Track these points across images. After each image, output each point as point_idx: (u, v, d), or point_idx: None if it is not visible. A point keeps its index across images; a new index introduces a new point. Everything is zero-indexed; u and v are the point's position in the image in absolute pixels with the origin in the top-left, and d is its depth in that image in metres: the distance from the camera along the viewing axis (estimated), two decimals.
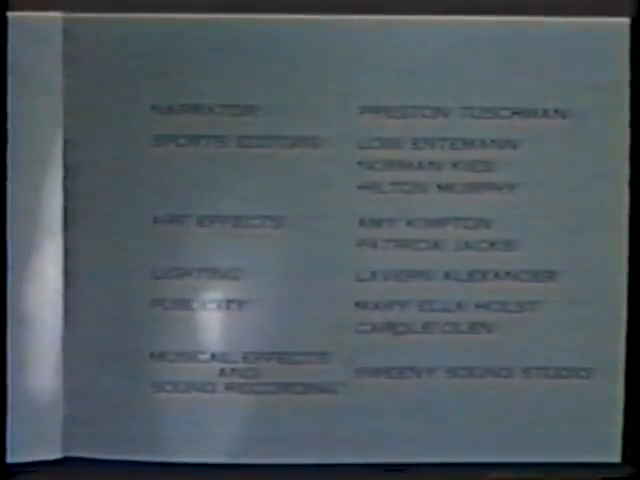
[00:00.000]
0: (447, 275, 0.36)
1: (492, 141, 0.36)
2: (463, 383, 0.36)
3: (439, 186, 0.36)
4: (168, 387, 0.36)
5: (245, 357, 0.36)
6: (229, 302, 0.36)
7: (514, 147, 0.36)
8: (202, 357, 0.36)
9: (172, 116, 0.36)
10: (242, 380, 0.36)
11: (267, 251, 0.36)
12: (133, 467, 0.36)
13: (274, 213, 0.36)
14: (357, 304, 0.36)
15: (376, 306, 0.36)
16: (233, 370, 0.36)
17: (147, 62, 0.35)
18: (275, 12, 0.35)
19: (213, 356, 0.36)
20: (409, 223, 0.36)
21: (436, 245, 0.36)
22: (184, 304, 0.36)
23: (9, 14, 0.35)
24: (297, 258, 0.36)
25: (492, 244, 0.36)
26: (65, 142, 0.36)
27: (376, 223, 0.36)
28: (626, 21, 0.36)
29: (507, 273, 0.36)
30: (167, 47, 0.36)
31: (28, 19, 0.35)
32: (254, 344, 0.36)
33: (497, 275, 0.36)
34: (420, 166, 0.36)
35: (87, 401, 0.36)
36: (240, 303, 0.36)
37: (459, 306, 0.36)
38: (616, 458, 0.37)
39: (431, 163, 0.36)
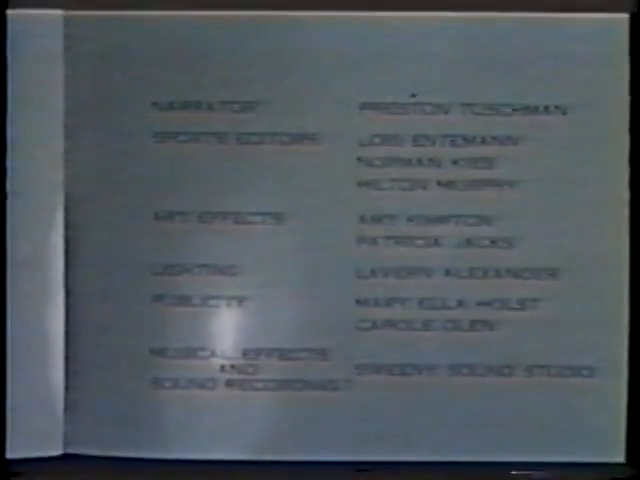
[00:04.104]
0: (448, 272, 0.36)
1: (493, 138, 0.36)
2: (464, 381, 0.36)
3: (439, 183, 0.36)
4: (168, 383, 0.36)
5: (245, 353, 0.36)
6: (229, 298, 0.36)
7: (515, 144, 0.36)
8: (202, 353, 0.36)
9: (172, 113, 0.36)
10: (242, 377, 0.36)
11: (267, 248, 0.36)
12: (133, 464, 0.36)
13: (274, 210, 0.36)
14: (357, 301, 0.36)
15: (376, 303, 0.36)
16: (233, 366, 0.36)
17: (147, 59, 0.36)
18: (275, 9, 0.36)
19: (213, 352, 0.36)
20: (409, 220, 0.36)
21: (437, 242, 0.36)
22: (185, 300, 0.36)
23: (9, 12, 0.35)
24: (297, 255, 0.36)
25: (493, 241, 0.36)
26: (65, 139, 0.36)
27: (376, 220, 0.36)
28: (625, 17, 0.36)
29: (508, 270, 0.36)
30: (167, 44, 0.36)
31: (28, 17, 0.36)
32: (254, 340, 0.36)
33: (498, 272, 0.36)
34: (420, 163, 0.36)
35: (87, 398, 0.36)
36: (240, 299, 0.36)
37: (460, 303, 0.36)
38: (620, 458, 0.37)
39: (431, 160, 0.36)
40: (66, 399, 0.36)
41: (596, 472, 0.36)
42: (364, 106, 0.36)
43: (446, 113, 0.36)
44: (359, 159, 0.36)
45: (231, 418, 0.36)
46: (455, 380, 0.36)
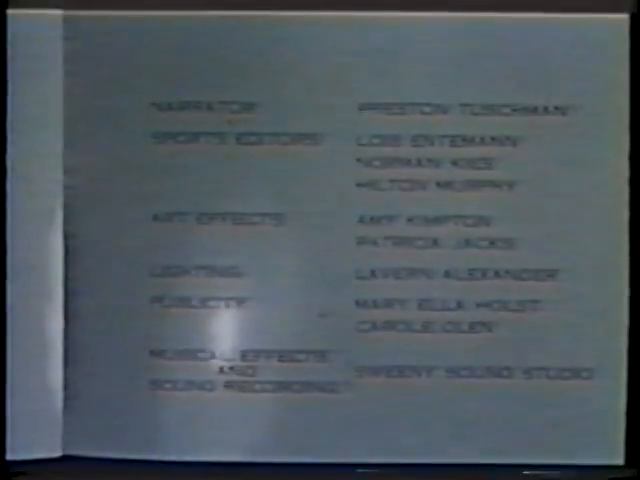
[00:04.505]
0: (447, 273, 0.36)
1: (492, 138, 0.36)
2: (463, 383, 0.36)
3: (438, 183, 0.36)
4: (167, 385, 0.36)
5: (244, 355, 0.36)
6: (228, 300, 0.36)
7: (514, 144, 0.36)
8: (201, 355, 0.36)
9: (171, 113, 0.36)
10: (241, 378, 0.36)
11: (267, 249, 0.36)
12: (132, 465, 0.36)
13: (273, 210, 0.36)
14: (357, 302, 0.36)
15: (376, 304, 0.36)
16: (232, 368, 0.36)
17: (147, 59, 0.36)
18: (274, 9, 0.36)
19: (212, 354, 0.36)
20: (409, 221, 0.36)
21: (436, 243, 0.36)
22: (184, 302, 0.36)
23: (9, 11, 0.35)
24: (297, 256, 0.36)
25: (492, 242, 0.36)
26: (65, 138, 0.36)
27: (375, 221, 0.36)
28: (625, 17, 0.36)
29: (507, 272, 0.36)
30: (167, 44, 0.36)
31: (28, 16, 0.36)
32: (253, 342, 0.36)
33: (497, 274, 0.36)
34: (419, 163, 0.36)
35: (87, 399, 0.36)
36: (239, 301, 0.36)
37: (459, 305, 0.36)
38: (619, 460, 0.37)
39: (430, 160, 0.36)
40: (65, 400, 0.36)
41: (595, 474, 0.36)
42: (363, 106, 0.36)
43: (445, 113, 0.36)
44: (358, 159, 0.36)
45: (230, 420, 0.36)
46: (454, 382, 0.36)
